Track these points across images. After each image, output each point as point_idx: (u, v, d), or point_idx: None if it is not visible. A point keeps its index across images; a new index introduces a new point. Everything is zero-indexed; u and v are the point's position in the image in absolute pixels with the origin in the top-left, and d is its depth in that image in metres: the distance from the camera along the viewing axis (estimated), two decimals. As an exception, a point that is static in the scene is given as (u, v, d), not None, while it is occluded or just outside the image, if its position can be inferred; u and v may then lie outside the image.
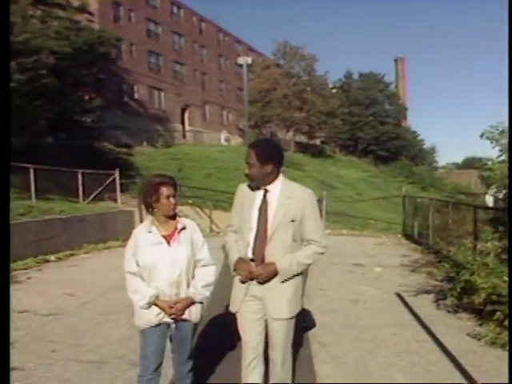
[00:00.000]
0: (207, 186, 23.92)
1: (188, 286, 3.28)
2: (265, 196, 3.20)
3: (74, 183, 17.02)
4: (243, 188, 3.35)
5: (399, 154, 68.13)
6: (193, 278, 3.31)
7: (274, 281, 3.14)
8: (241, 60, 22.06)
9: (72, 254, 12.30)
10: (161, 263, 3.18)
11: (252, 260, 3.18)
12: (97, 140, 26.10)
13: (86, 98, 24.74)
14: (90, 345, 5.27)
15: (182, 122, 42.96)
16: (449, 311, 6.37)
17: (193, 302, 3.25)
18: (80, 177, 16.84)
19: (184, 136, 42.10)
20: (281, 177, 3.22)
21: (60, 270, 10.24)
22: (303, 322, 5.25)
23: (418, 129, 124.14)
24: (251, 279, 3.17)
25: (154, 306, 3.20)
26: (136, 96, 37.18)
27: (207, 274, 3.33)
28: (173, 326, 3.26)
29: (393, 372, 4.43)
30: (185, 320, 3.26)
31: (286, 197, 3.15)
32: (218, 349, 4.86)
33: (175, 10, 43.14)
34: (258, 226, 3.17)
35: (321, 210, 19.20)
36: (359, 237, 16.60)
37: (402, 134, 69.45)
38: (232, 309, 3.33)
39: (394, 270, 9.65)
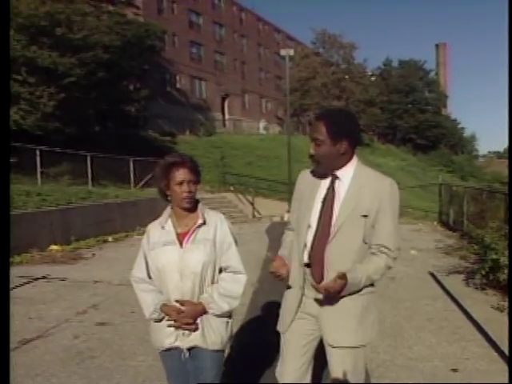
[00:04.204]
0: (249, 173, 24.77)
1: None
2: (332, 184, 2.48)
3: (123, 170, 18.11)
4: (305, 175, 2.64)
5: (438, 143, 67.65)
6: None
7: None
8: (283, 52, 22.68)
9: (127, 236, 13.37)
10: (169, 269, 2.52)
11: (308, 265, 2.49)
12: (142, 129, 27.15)
13: (131, 87, 25.81)
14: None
15: (222, 111, 43.99)
16: (477, 288, 7.01)
17: (204, 311, 2.53)
18: (131, 164, 17.93)
19: (224, 125, 43.09)
20: (355, 159, 2.49)
21: (119, 249, 11.27)
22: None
23: (458, 116, 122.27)
24: (302, 294, 2.52)
25: (163, 326, 2.57)
26: (178, 86, 38.34)
27: (230, 282, 2.57)
28: (185, 353, 2.57)
29: (424, 334, 5.17)
30: (198, 347, 2.56)
31: (359, 185, 2.42)
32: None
33: (216, 0, 43.99)
34: (319, 222, 2.45)
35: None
36: (396, 224, 17.13)
37: (442, 122, 68.83)
38: (279, 328, 2.64)
39: (428, 253, 10.29)
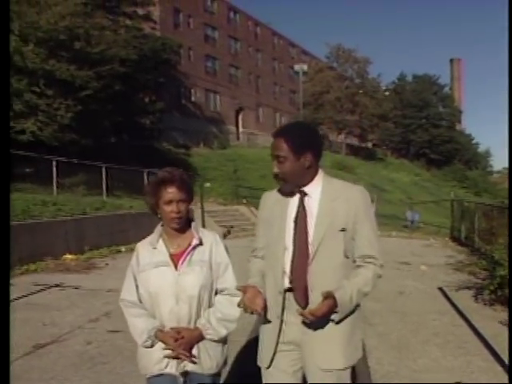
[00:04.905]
0: (262, 186, 24.90)
1: None
2: (302, 201, 2.34)
3: (137, 181, 18.31)
4: (269, 197, 2.50)
5: (452, 158, 67.43)
6: None
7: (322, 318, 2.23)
8: (297, 67, 23.02)
9: (139, 247, 13.54)
10: (163, 293, 2.37)
11: (290, 290, 2.32)
12: (156, 141, 27.45)
13: (147, 100, 26.19)
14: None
15: (236, 124, 44.33)
16: (485, 304, 7.06)
17: (201, 337, 2.39)
18: (146, 175, 18.17)
19: (238, 138, 43.40)
20: (320, 173, 2.37)
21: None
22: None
23: (472, 131, 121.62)
24: (281, 318, 2.33)
25: (154, 351, 2.40)
26: (193, 99, 38.76)
27: (228, 306, 2.44)
28: (180, 380, 2.41)
29: (430, 347, 5.23)
30: (193, 372, 2.41)
31: (330, 198, 2.31)
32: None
33: (232, 15, 44.59)
34: (295, 243, 2.31)
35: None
36: (408, 239, 17.17)
37: (456, 137, 68.67)
38: (261, 363, 2.44)
39: (438, 268, 10.32)
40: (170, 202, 2.33)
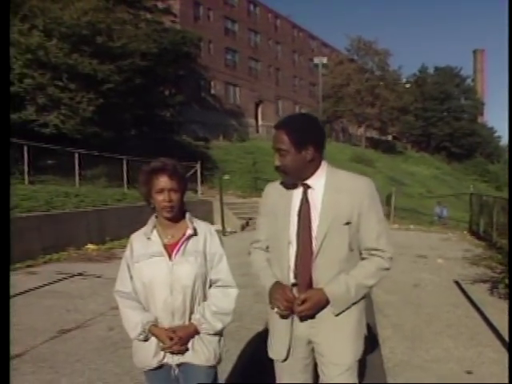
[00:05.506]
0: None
1: None
2: (305, 194, 2.32)
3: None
4: (273, 189, 2.48)
5: (474, 151, 66.60)
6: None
7: (326, 311, 2.29)
8: (316, 60, 23.01)
9: (159, 238, 13.79)
10: (157, 283, 2.35)
11: (295, 285, 2.32)
12: (176, 133, 27.65)
13: (167, 93, 26.38)
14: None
15: (256, 117, 44.42)
16: (501, 297, 7.09)
17: (196, 332, 2.37)
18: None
19: (257, 130, 43.50)
20: (324, 165, 2.34)
21: (152, 250, 11.67)
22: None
23: (495, 124, 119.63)
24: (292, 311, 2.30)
25: (150, 343, 2.39)
26: (213, 91, 38.93)
27: (222, 298, 2.43)
28: (175, 370, 2.41)
29: (443, 338, 5.32)
30: (190, 363, 2.40)
31: (334, 191, 2.27)
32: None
33: (252, 8, 44.61)
34: (299, 237, 2.30)
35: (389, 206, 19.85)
36: (426, 232, 17.16)
37: (478, 130, 67.78)
38: (276, 356, 2.45)
39: (455, 262, 10.34)
40: (161, 191, 2.32)
